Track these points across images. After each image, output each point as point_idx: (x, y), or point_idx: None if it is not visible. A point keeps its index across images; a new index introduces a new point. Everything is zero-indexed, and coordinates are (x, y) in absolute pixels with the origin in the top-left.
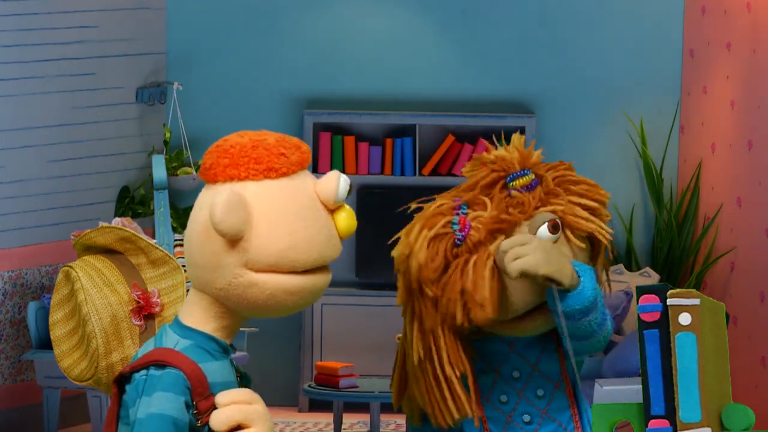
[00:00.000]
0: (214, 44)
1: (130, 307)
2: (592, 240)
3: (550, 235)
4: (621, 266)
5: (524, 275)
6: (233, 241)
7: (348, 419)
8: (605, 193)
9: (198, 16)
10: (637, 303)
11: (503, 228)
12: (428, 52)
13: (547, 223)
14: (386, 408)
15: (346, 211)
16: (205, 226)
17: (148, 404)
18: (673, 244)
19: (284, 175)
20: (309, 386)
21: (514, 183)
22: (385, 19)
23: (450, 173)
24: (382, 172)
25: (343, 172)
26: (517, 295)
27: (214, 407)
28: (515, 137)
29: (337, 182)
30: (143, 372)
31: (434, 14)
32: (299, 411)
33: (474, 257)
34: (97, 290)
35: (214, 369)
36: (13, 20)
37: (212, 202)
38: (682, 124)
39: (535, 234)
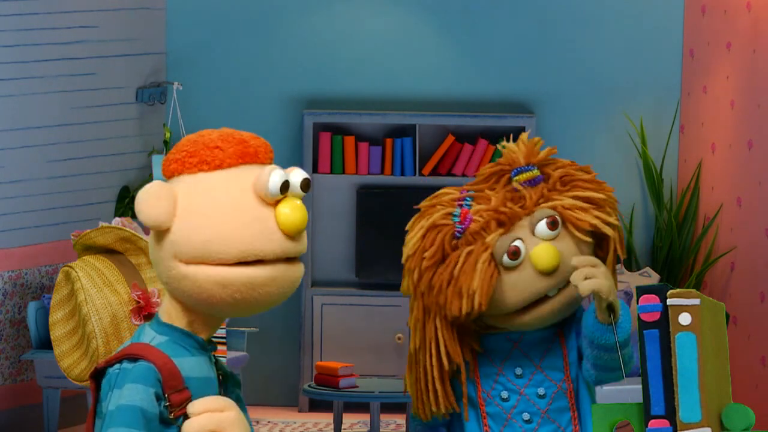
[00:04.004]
0: (214, 44)
1: (130, 307)
2: (599, 235)
3: (549, 231)
4: (621, 266)
5: (593, 296)
6: (162, 233)
7: (348, 419)
8: (609, 188)
9: (198, 16)
10: (637, 303)
11: (502, 220)
12: (428, 52)
13: (545, 220)
14: (386, 408)
15: (289, 206)
16: None
17: (119, 396)
18: (673, 244)
19: (218, 167)
20: (309, 386)
21: (518, 177)
22: (385, 19)
23: (450, 173)
24: (382, 172)
25: (343, 172)
26: (513, 290)
27: (190, 401)
28: (523, 135)
29: (268, 176)
30: (117, 366)
31: (434, 14)
32: (299, 411)
33: (471, 248)
34: (97, 290)
35: (191, 364)
36: (13, 20)
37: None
38: (682, 124)
39: (533, 232)
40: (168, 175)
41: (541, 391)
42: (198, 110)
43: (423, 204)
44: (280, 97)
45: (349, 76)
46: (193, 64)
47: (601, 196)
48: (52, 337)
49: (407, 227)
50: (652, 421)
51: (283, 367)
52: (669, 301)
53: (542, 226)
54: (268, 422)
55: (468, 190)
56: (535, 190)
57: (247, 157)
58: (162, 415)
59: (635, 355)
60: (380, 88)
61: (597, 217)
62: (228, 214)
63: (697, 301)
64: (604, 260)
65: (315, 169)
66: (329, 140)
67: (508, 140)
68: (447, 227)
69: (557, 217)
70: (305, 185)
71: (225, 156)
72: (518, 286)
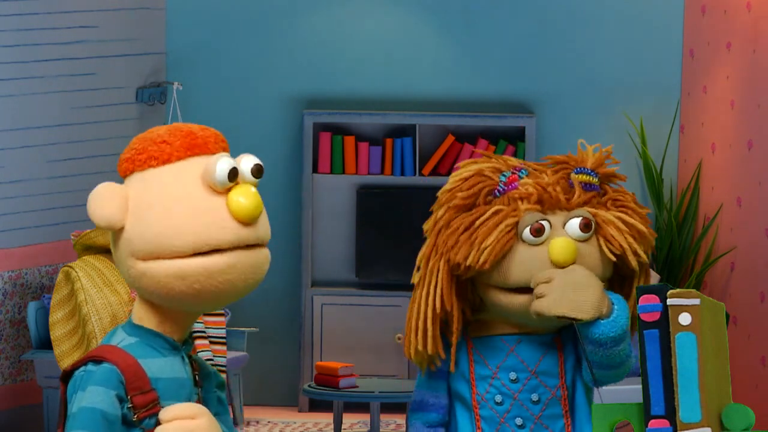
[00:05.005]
0: (214, 44)
1: (130, 307)
2: (624, 271)
3: (580, 232)
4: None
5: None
6: (118, 233)
7: (348, 419)
8: (653, 231)
9: (198, 16)
10: (637, 303)
11: (543, 198)
12: (428, 52)
13: (581, 219)
14: (386, 408)
15: (240, 193)
16: None
17: (81, 399)
18: (673, 244)
19: (166, 162)
20: (309, 386)
21: (578, 176)
22: (385, 19)
23: (450, 173)
24: (382, 172)
25: (343, 172)
26: (519, 265)
27: (156, 403)
28: (607, 148)
29: (215, 165)
30: (82, 369)
31: (434, 14)
32: (299, 411)
33: (500, 207)
34: (97, 290)
35: (160, 365)
36: (13, 20)
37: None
38: (682, 124)
39: (564, 225)
40: (122, 175)
41: (535, 396)
42: (198, 110)
43: (483, 152)
44: (280, 97)
45: (349, 76)
46: (193, 64)
47: (643, 229)
48: (52, 337)
49: (458, 164)
50: (652, 421)
51: (283, 367)
52: (669, 301)
53: (575, 224)
54: (268, 422)
55: (529, 166)
56: (586, 194)
57: (195, 148)
58: (125, 417)
59: (633, 358)
60: (380, 88)
61: (630, 244)
62: (178, 206)
63: (697, 301)
64: (625, 296)
65: (315, 169)
66: (329, 140)
67: (507, 140)
68: (491, 181)
69: (592, 221)
70: (257, 171)
71: (173, 150)
72: (526, 264)
